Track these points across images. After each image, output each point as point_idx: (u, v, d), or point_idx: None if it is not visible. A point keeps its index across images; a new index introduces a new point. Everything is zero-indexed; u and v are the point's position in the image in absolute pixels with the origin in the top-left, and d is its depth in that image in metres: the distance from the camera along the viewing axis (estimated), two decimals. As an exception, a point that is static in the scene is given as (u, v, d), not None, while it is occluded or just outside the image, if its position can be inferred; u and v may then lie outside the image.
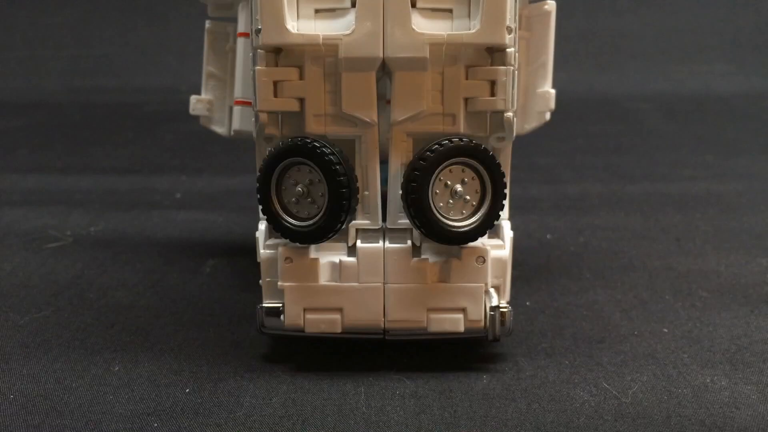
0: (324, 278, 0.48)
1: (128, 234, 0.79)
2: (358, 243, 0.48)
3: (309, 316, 0.48)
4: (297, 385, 0.48)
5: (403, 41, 0.45)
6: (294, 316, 0.48)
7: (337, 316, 0.48)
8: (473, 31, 0.46)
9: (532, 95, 0.58)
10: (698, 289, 0.63)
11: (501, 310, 0.48)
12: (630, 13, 1.75)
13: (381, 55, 0.46)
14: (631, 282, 0.64)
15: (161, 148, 1.23)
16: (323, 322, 0.48)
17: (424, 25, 0.46)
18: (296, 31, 0.46)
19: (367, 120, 0.47)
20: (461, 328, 0.48)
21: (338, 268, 0.48)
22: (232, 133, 0.64)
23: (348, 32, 0.45)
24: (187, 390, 0.47)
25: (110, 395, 0.47)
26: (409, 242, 0.48)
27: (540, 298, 0.61)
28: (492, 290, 0.49)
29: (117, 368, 0.50)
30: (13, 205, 0.89)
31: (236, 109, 0.58)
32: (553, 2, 0.57)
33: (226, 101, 0.63)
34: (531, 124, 0.58)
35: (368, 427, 0.44)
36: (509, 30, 0.46)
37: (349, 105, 0.47)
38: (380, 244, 0.48)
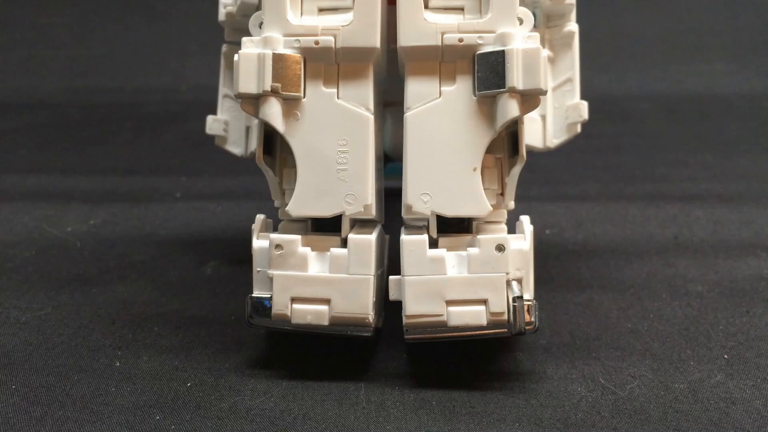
0: (314, 269, 0.47)
1: (128, 234, 0.79)
2: (350, 234, 0.47)
3: (296, 306, 0.46)
4: (297, 379, 0.48)
5: (415, 31, 0.46)
6: (281, 306, 0.46)
7: (324, 308, 0.46)
8: (484, 19, 0.46)
9: (560, 110, 0.58)
10: (695, 287, 0.63)
11: (525, 302, 0.46)
12: (630, 13, 1.75)
13: (378, 45, 0.47)
14: (629, 280, 0.64)
15: (161, 148, 1.23)
16: (310, 313, 0.46)
17: (437, 19, 0.47)
18: (297, 23, 0.47)
19: (363, 109, 0.47)
20: (484, 321, 0.45)
21: (328, 259, 0.47)
22: (248, 153, 0.64)
23: (346, 24, 0.47)
24: (189, 384, 0.48)
25: (112, 387, 0.47)
26: (426, 234, 0.47)
27: (538, 295, 0.61)
28: (514, 282, 0.46)
29: (119, 364, 0.50)
30: (13, 205, 0.89)
31: None
32: (576, 24, 0.57)
33: (242, 122, 0.64)
34: (560, 138, 0.59)
35: (368, 421, 0.44)
36: (520, 21, 0.46)
37: (346, 95, 0.47)
38: (372, 235, 0.47)
